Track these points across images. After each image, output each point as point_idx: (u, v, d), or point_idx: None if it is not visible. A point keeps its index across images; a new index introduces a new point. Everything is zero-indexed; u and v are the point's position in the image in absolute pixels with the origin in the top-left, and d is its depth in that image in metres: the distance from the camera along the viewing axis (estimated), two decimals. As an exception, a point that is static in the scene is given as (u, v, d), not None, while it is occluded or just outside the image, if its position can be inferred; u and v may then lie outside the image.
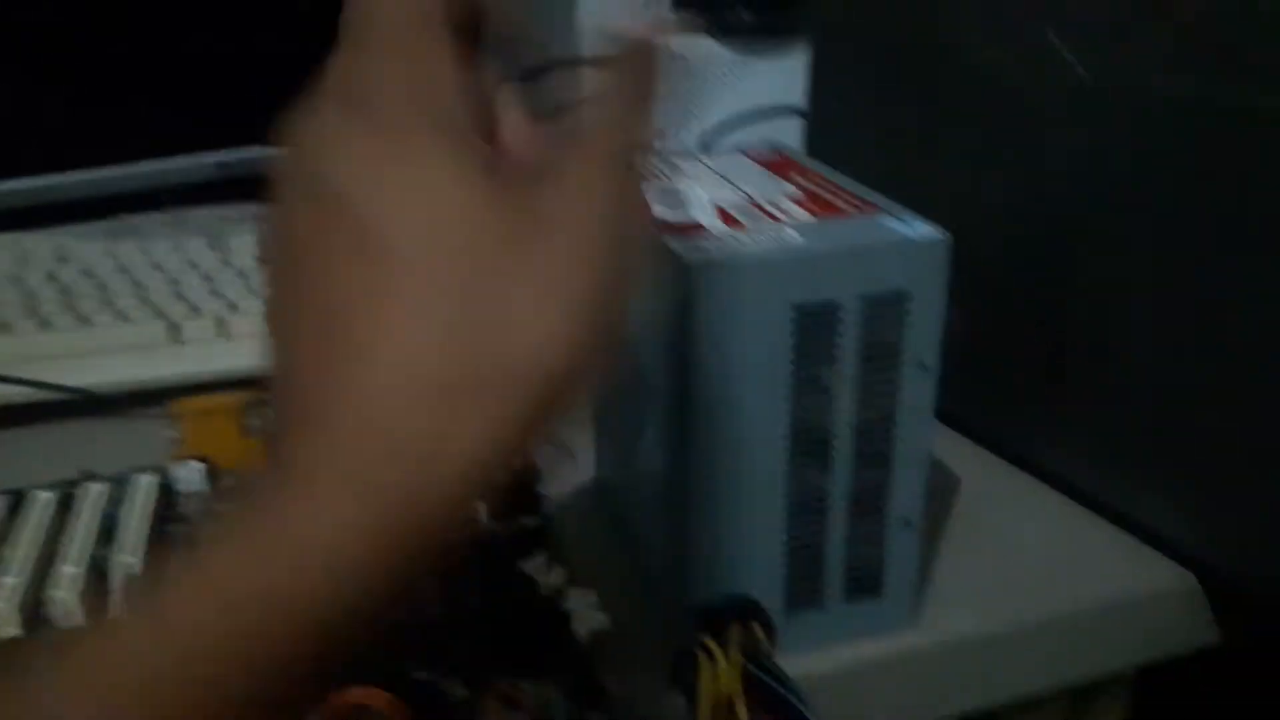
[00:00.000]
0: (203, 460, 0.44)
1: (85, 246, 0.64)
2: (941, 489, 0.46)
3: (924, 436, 0.35)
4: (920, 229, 0.32)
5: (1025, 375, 0.44)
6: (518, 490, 0.42)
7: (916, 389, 0.33)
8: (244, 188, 0.74)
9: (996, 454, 0.48)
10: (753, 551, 0.35)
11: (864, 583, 0.37)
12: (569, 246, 0.22)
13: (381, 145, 0.21)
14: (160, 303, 0.58)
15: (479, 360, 0.20)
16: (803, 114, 0.54)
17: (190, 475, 0.44)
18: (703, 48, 0.76)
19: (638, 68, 0.25)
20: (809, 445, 0.34)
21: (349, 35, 0.23)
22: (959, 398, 0.49)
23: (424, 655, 0.33)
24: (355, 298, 0.21)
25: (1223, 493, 0.37)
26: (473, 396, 0.20)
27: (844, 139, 0.52)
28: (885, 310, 0.32)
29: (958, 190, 0.45)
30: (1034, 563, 0.42)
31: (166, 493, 0.44)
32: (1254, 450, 0.36)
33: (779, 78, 0.56)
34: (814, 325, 0.31)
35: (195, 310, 0.58)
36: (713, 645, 0.31)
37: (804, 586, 0.36)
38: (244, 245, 0.65)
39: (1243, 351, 0.35)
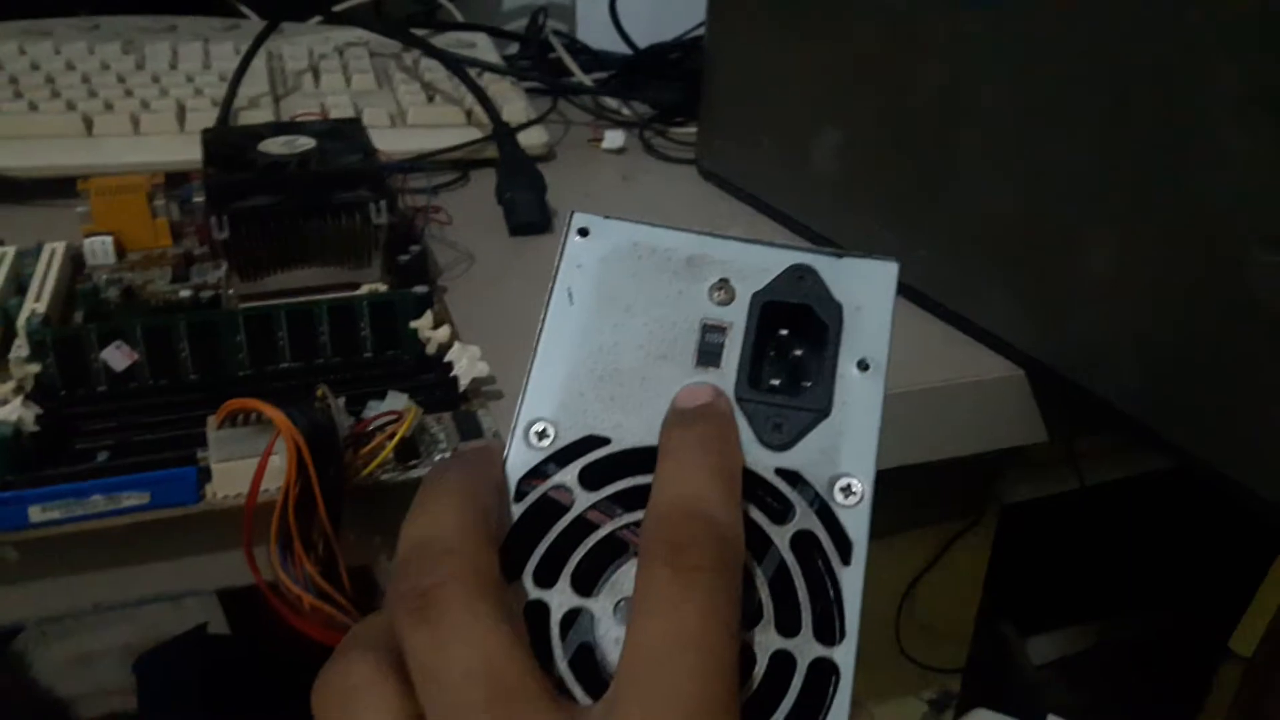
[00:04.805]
0: (111, 235, 0.46)
1: (-3, 44, 0.64)
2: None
3: None
4: None
5: (891, 201, 0.48)
6: (411, 266, 0.45)
7: None
8: (161, 1, 0.73)
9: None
10: None
11: None
12: None
13: None
14: (73, 97, 0.58)
15: None
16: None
17: (99, 248, 0.46)
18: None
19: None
20: None
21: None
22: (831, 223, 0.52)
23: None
24: None
25: (1050, 302, 0.42)
26: None
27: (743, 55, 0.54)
28: None
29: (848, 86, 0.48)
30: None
31: (75, 260, 0.46)
32: (1076, 263, 0.40)
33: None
34: None
35: (108, 106, 0.58)
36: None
37: None
38: (159, 52, 0.65)
39: (1061, 189, 0.39)
